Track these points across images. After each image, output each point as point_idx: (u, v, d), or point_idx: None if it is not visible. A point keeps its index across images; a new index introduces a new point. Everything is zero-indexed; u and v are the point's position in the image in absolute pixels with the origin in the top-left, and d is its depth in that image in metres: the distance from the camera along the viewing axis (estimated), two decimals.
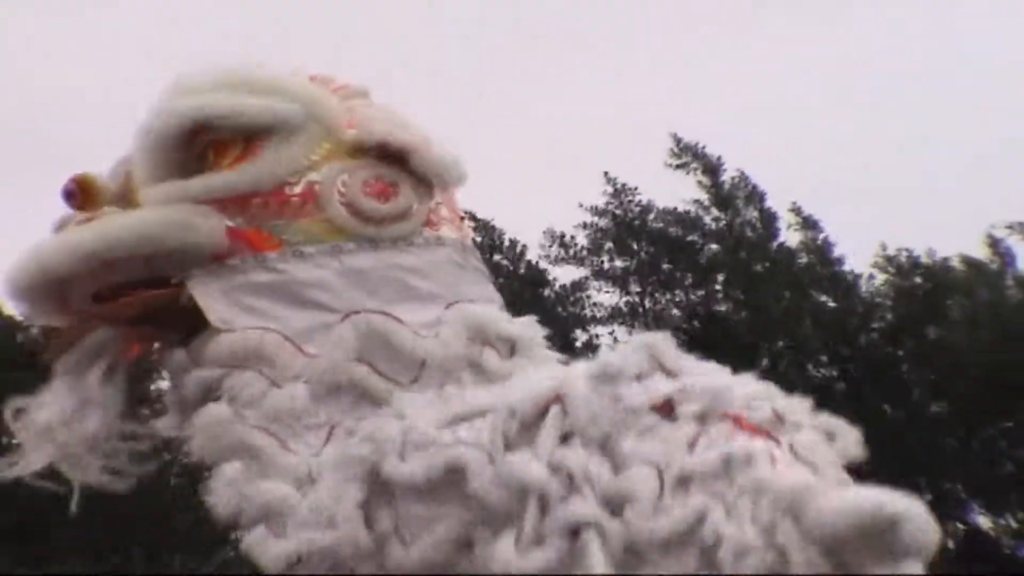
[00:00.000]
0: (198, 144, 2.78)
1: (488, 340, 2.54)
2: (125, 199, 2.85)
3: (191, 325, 2.51)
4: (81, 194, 2.78)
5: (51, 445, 2.67)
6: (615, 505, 2.28)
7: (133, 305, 2.64)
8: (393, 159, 2.58)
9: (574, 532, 2.14)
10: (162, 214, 2.72)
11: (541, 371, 2.40)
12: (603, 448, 2.30)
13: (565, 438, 2.35)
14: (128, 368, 2.89)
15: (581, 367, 2.41)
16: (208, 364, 2.57)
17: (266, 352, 2.58)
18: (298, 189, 2.74)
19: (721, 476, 2.21)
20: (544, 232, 17.52)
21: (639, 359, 2.23)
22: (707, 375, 2.14)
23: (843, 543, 2.00)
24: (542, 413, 2.30)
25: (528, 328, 2.57)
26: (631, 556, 2.06)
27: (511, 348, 2.50)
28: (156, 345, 2.74)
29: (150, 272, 2.66)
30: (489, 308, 2.68)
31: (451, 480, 2.23)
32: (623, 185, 17.48)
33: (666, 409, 2.41)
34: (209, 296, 2.73)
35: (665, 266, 17.32)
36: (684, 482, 2.18)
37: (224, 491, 2.22)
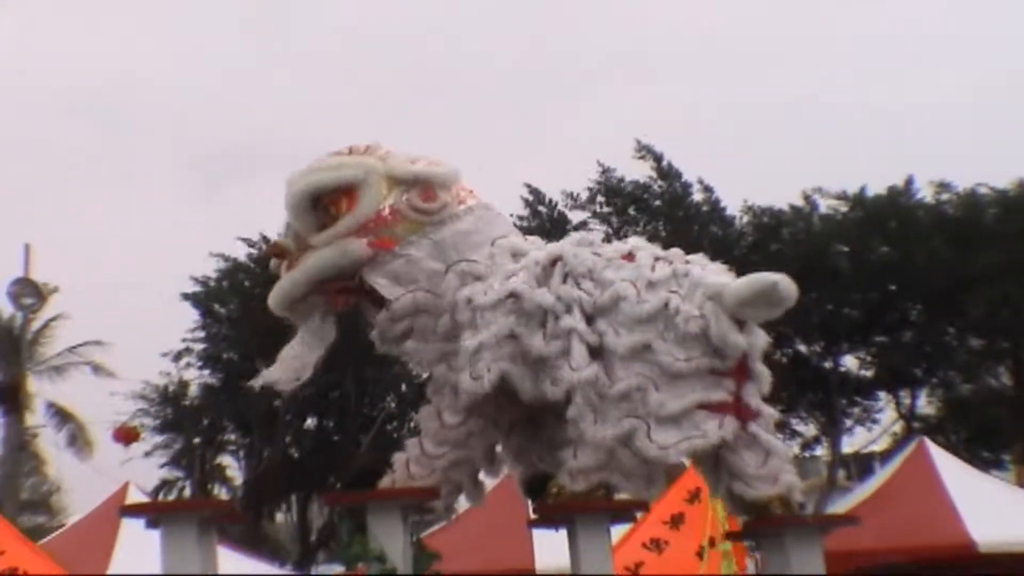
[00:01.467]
0: (319, 203, 6.60)
1: (518, 253, 6.38)
2: (300, 243, 6.65)
3: (374, 296, 6.46)
4: (280, 252, 6.72)
5: (296, 365, 6.55)
6: (608, 307, 6.08)
7: (338, 288, 6.62)
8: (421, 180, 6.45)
9: (569, 333, 6.06)
10: (332, 249, 6.45)
11: (546, 248, 6.39)
12: (591, 278, 6.22)
13: (565, 278, 6.25)
14: (335, 313, 6.73)
15: (567, 240, 6.63)
16: (397, 318, 6.46)
17: (421, 303, 6.42)
18: (386, 211, 6.43)
19: (673, 280, 6.13)
20: (562, 192, 29.47)
21: (599, 236, 7.20)
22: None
23: (744, 304, 5.90)
24: (552, 265, 6.28)
25: (538, 241, 6.59)
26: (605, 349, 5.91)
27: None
28: (353, 303, 6.66)
29: (341, 276, 6.53)
30: (513, 237, 6.63)
31: (510, 300, 6.10)
32: (607, 167, 29.34)
33: (630, 257, 6.34)
34: (376, 281, 6.43)
35: (631, 212, 30.06)
36: (652, 285, 6.09)
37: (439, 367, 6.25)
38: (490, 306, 6.10)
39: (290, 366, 6.45)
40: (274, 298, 6.58)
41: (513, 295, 6.08)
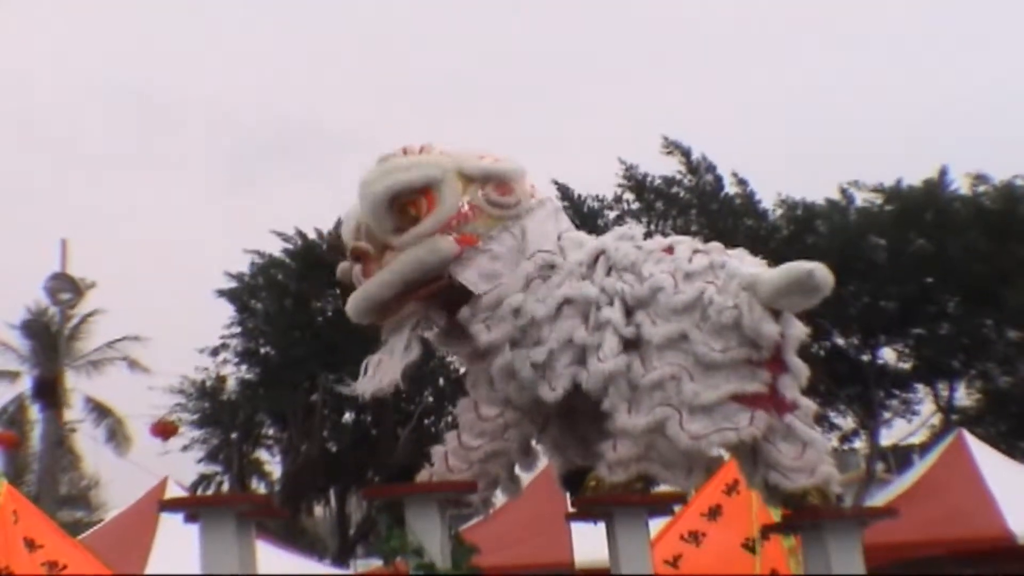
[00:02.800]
0: (396, 204, 6.23)
1: (582, 245, 6.34)
2: (377, 245, 6.35)
3: (464, 292, 6.13)
4: (362, 255, 6.37)
5: (380, 375, 6.29)
6: (646, 298, 5.95)
7: (427, 292, 6.24)
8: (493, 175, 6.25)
9: (605, 324, 5.96)
10: (421, 248, 6.17)
11: (586, 246, 6.25)
12: (632, 271, 6.04)
13: (609, 271, 6.10)
14: (429, 323, 6.52)
15: (610, 234, 6.47)
16: (484, 310, 6.18)
17: (505, 295, 6.23)
18: (465, 208, 6.20)
19: (709, 272, 5.90)
20: (589, 196, 30.06)
21: (640, 230, 6.54)
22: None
23: (779, 293, 5.61)
24: (595, 259, 6.17)
25: (586, 236, 6.54)
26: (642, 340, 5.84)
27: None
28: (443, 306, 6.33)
29: (430, 275, 6.19)
30: (574, 232, 6.59)
31: (565, 305, 6.11)
32: (630, 164, 29.95)
33: (669, 250, 6.12)
34: (465, 277, 6.14)
35: (659, 206, 30.29)
36: (689, 276, 5.91)
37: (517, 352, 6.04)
38: (549, 317, 6.12)
39: (375, 376, 6.36)
40: (360, 302, 6.45)
41: (567, 300, 6.10)
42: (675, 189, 29.74)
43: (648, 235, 6.75)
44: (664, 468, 5.96)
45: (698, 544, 9.71)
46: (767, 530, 8.22)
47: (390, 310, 6.43)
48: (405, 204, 6.32)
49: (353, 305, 6.51)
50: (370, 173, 6.39)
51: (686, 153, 29.64)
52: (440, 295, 6.36)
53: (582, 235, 6.58)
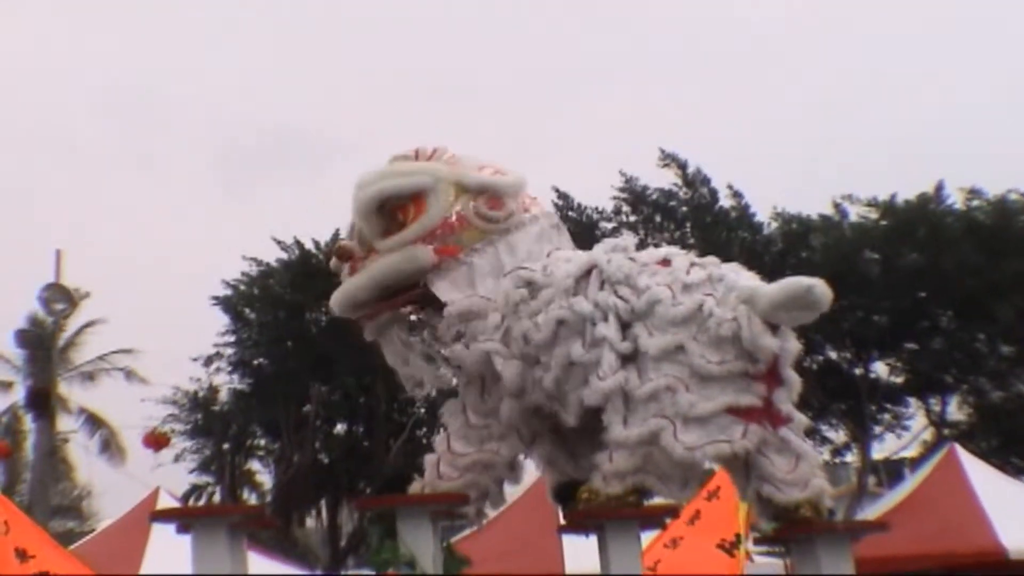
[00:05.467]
0: (386, 208, 6.80)
1: (564, 260, 6.71)
2: (365, 247, 6.97)
3: (437, 302, 6.70)
4: (345, 255, 7.04)
5: (413, 380, 7.00)
6: (644, 311, 6.20)
7: (402, 301, 6.94)
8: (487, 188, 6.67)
9: (601, 341, 6.26)
10: (399, 255, 6.72)
11: (575, 261, 6.68)
12: (627, 284, 6.39)
13: (602, 285, 6.45)
14: (406, 322, 7.17)
15: (600, 247, 6.85)
16: (451, 322, 6.71)
17: (475, 308, 6.69)
18: (453, 218, 6.71)
19: (707, 284, 6.34)
20: (587, 208, 29.93)
21: (632, 241, 7.01)
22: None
23: (778, 307, 5.99)
24: (587, 274, 6.54)
25: (574, 253, 6.90)
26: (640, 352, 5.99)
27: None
28: (423, 311, 6.98)
29: (407, 282, 6.80)
30: (566, 250, 6.97)
31: (560, 328, 6.38)
32: (630, 176, 29.99)
33: (665, 263, 6.58)
34: (439, 287, 6.72)
35: (657, 219, 30.27)
36: (687, 288, 6.32)
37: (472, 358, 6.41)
38: (546, 343, 6.20)
39: (410, 382, 6.83)
40: (337, 300, 6.72)
41: (560, 322, 6.20)
42: (672, 203, 29.61)
43: (643, 246, 6.74)
44: (660, 480, 6.00)
45: (675, 548, 9.76)
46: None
47: (369, 309, 6.68)
48: (394, 209, 6.43)
49: (334, 300, 6.80)
50: (366, 175, 6.53)
51: (682, 165, 29.59)
52: (421, 301, 6.44)
53: (571, 254, 6.66)
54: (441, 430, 6.93)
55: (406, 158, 6.70)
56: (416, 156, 6.71)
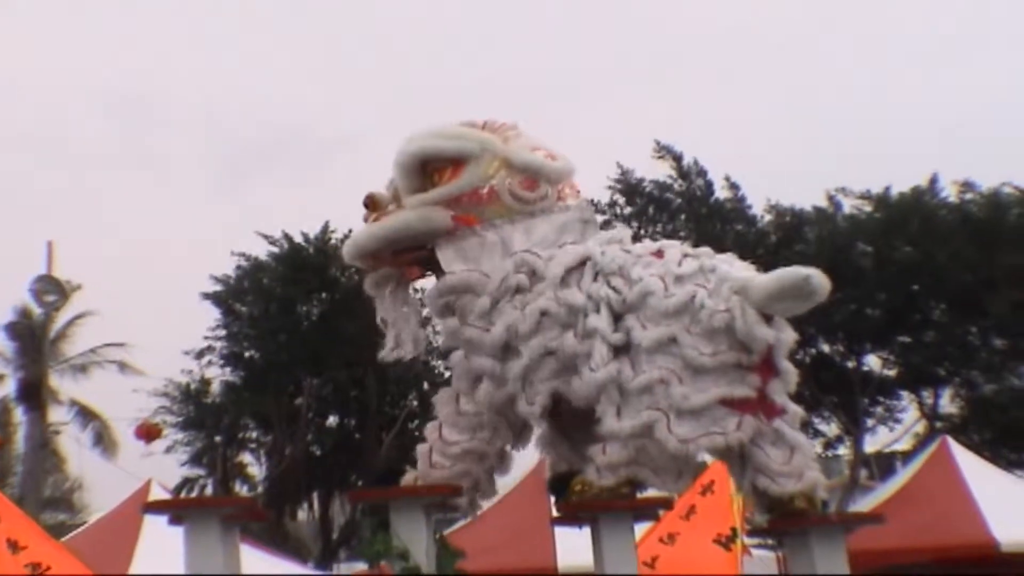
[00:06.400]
0: (427, 168, 6.41)
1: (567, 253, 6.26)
2: (397, 201, 6.44)
3: (441, 268, 6.29)
4: (372, 204, 6.48)
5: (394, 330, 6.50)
6: (636, 303, 5.93)
7: (410, 259, 6.48)
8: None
9: (593, 333, 5.96)
10: (414, 213, 6.33)
11: (569, 253, 6.21)
12: (620, 275, 6.07)
13: (596, 276, 6.10)
14: (410, 284, 6.80)
15: (593, 239, 6.38)
16: (444, 293, 6.31)
17: (471, 282, 6.22)
18: (484, 190, 6.25)
19: (699, 275, 5.96)
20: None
21: (628, 233, 6.55)
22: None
23: (772, 298, 5.68)
24: (580, 264, 6.18)
25: (576, 245, 6.29)
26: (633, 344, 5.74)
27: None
28: (426, 274, 6.48)
29: (417, 242, 6.34)
30: (579, 246, 6.32)
31: (544, 318, 6.09)
32: (626, 168, 30.29)
33: (659, 254, 6.20)
34: (444, 253, 6.26)
35: (651, 211, 30.27)
36: (679, 279, 5.95)
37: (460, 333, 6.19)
38: (529, 333, 6.06)
39: (397, 347, 6.51)
40: (348, 247, 6.60)
41: (544, 313, 6.05)
42: (667, 195, 29.65)
43: (637, 239, 6.70)
44: (654, 472, 5.94)
45: (672, 544, 9.78)
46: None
47: (376, 261, 6.51)
48: (433, 171, 6.33)
49: (346, 247, 6.65)
50: (417, 131, 6.41)
51: (677, 158, 29.65)
52: (426, 265, 6.41)
53: (581, 249, 6.36)
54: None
55: (472, 126, 6.61)
56: (483, 126, 6.62)
